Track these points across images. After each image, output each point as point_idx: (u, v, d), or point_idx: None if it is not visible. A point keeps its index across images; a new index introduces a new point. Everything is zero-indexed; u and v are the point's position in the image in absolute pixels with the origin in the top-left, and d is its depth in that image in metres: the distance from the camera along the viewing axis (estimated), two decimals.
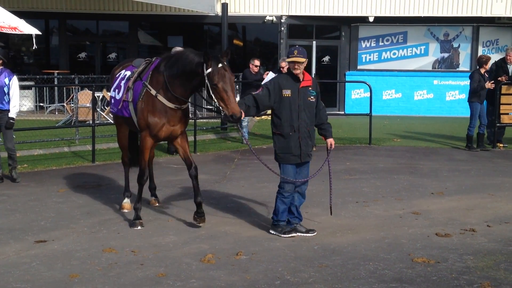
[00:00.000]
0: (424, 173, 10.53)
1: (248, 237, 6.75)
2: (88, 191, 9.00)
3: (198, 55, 6.55)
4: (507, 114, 13.63)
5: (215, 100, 6.38)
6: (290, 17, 21.07)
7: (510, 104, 13.53)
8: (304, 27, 22.06)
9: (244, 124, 14.30)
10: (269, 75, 14.20)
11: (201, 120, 16.79)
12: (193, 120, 13.50)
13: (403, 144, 14.07)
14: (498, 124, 13.38)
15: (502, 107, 13.43)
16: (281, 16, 21.05)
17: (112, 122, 14.80)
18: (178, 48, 8.28)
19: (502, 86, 13.42)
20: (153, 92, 6.77)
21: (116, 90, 7.28)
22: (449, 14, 20.42)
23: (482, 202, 8.27)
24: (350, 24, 21.43)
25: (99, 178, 10.00)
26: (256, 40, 24.15)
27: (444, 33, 21.60)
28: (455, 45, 21.61)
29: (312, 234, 6.79)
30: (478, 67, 13.04)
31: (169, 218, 7.55)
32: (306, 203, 7.30)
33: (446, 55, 21.66)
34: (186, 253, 6.17)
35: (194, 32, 22.87)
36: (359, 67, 21.54)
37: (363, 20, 20.91)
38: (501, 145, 13.45)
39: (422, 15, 20.47)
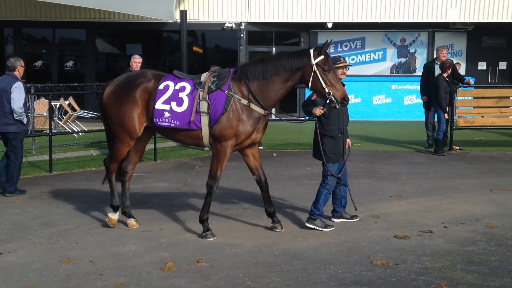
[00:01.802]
0: (383, 177, 10.66)
1: (209, 244, 6.72)
2: (45, 202, 8.85)
3: (294, 53, 6.88)
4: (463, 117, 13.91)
5: (325, 87, 6.66)
6: (249, 23, 21.14)
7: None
8: (263, 34, 22.16)
9: None
10: None
11: None
12: None
13: (362, 148, 14.22)
14: (454, 128, 13.63)
15: (457, 110, 13.71)
16: (241, 23, 21.11)
17: (70, 131, 14.70)
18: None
19: (458, 90, 13.70)
20: (244, 101, 6.82)
21: (173, 103, 6.92)
22: (406, 20, 20.75)
23: (439, 204, 8.40)
24: (309, 30, 21.61)
25: (56, 188, 9.84)
26: (216, 47, 24.16)
27: (400, 38, 21.96)
28: (411, 50, 21.98)
29: (356, 220, 7.64)
30: (441, 72, 13.12)
31: (129, 227, 7.47)
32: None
33: (403, 60, 22.01)
34: (146, 261, 6.11)
35: (153, 40, 22.76)
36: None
37: (322, 26, 21.10)
38: (457, 147, 13.71)
39: (380, 21, 20.76)
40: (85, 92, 17.43)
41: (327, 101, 6.73)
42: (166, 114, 6.92)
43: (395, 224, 7.49)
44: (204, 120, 6.85)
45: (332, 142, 7.27)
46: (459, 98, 14.10)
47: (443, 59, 13.57)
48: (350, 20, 20.81)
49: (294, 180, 10.40)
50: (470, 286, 5.37)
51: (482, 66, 22.09)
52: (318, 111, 6.97)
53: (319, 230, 7.22)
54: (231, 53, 22.73)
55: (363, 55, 21.94)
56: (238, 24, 21.14)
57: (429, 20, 20.59)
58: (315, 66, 6.67)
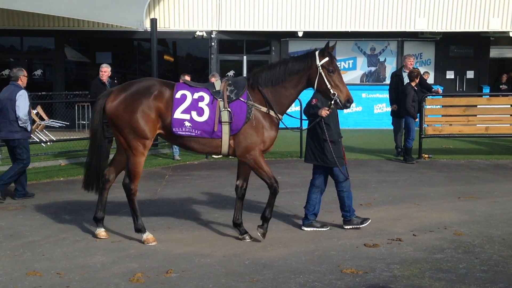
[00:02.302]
0: (353, 185, 10.56)
1: (178, 254, 6.67)
2: (11, 213, 8.70)
3: (299, 56, 7.15)
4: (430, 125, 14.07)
5: (330, 88, 6.88)
6: (220, 32, 21.13)
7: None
8: (234, 42, 22.18)
9: None
10: None
11: None
12: None
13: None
14: (423, 136, 13.77)
15: (426, 118, 13.86)
16: (211, 31, 21.09)
17: (38, 140, 14.49)
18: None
19: (427, 98, 13.86)
20: (264, 109, 7.00)
21: (193, 113, 6.90)
22: (375, 29, 20.96)
23: (408, 212, 8.47)
24: (280, 39, 21.69)
25: (23, 198, 9.67)
26: (187, 55, 24.12)
27: (370, 47, 22.16)
28: (381, 59, 22.19)
29: (326, 228, 7.70)
30: (409, 81, 13.23)
31: (97, 237, 7.37)
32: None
33: (373, 69, 22.21)
34: (114, 273, 6.04)
35: (123, 48, 22.60)
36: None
37: (293, 35, 21.19)
38: (426, 155, 13.85)
39: (350, 30, 20.92)
40: (53, 101, 17.23)
41: (332, 102, 6.95)
42: (187, 123, 6.90)
43: (365, 233, 7.53)
44: (225, 129, 6.93)
45: (334, 146, 7.49)
46: (428, 107, 14.27)
47: (411, 67, 13.74)
48: (320, 29, 20.92)
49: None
50: None
51: (450, 75, 22.40)
52: (324, 112, 7.23)
53: (358, 227, 7.66)
54: (202, 61, 22.69)
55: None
56: (209, 33, 21.12)
57: (398, 29, 20.82)
58: (320, 68, 6.90)
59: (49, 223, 8.10)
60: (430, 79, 20.55)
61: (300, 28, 20.86)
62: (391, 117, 14.42)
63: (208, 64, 21.59)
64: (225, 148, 7.04)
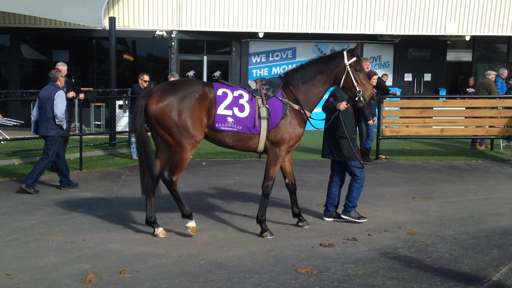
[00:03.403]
0: (311, 185, 10.76)
1: (133, 255, 6.60)
2: None
3: (329, 56, 7.62)
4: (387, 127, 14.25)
5: (356, 86, 7.35)
6: (180, 32, 21.01)
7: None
8: (195, 42, 22.08)
9: (133, 139, 14.06)
10: None
11: (88, 136, 16.35)
12: (78, 136, 13.12)
13: (293, 157, 14.25)
14: (381, 137, 13.94)
15: (384, 120, 14.02)
16: (172, 31, 20.96)
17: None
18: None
19: (385, 100, 14.02)
20: (296, 107, 7.41)
21: (235, 109, 7.21)
22: (335, 31, 21.11)
23: (364, 211, 8.52)
24: (241, 40, 21.68)
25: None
26: (147, 55, 23.90)
27: (330, 49, 22.24)
28: None
29: (363, 221, 8.00)
30: None
31: (49, 238, 7.24)
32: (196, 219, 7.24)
33: None
34: (66, 274, 5.93)
35: (81, 46, 22.25)
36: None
37: (254, 35, 21.21)
38: (384, 156, 14.02)
39: (310, 31, 21.04)
40: (8, 100, 16.85)
41: (356, 99, 7.41)
42: (229, 119, 7.20)
43: (320, 232, 7.57)
44: (264, 125, 7.29)
45: (348, 142, 7.86)
46: (386, 108, 14.43)
47: (367, 70, 13.88)
48: (281, 30, 20.99)
49: (223, 189, 10.36)
50: None
51: (408, 77, 22.73)
52: (343, 105, 7.64)
53: (354, 221, 7.97)
54: (162, 61, 22.53)
55: (294, 65, 22.06)
56: (169, 32, 20.98)
57: (358, 32, 21.02)
58: (348, 67, 7.36)
59: (0, 223, 7.93)
60: (389, 82, 20.82)
61: (261, 29, 20.88)
62: None
63: (168, 64, 21.44)
64: (262, 144, 7.40)
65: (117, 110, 17.26)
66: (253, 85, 7.44)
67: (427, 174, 12.11)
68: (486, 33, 21.68)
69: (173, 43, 21.13)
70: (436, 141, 16.58)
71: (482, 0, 21.09)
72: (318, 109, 8.33)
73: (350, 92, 7.47)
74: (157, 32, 20.86)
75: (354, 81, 7.36)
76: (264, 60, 22.12)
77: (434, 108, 14.74)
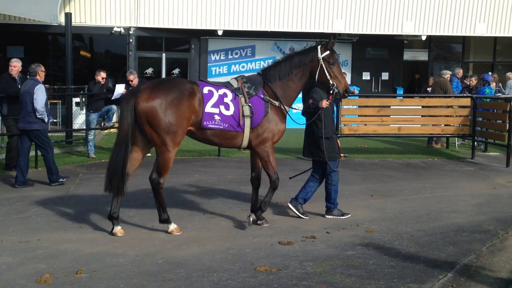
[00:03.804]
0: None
1: (89, 254, 6.49)
2: None
3: (303, 51, 7.70)
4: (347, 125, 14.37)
5: (329, 79, 7.57)
6: (138, 28, 20.82)
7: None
8: (153, 39, 21.90)
9: (91, 137, 13.88)
10: (117, 88, 13.91)
11: None
12: None
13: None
14: (339, 135, 14.02)
15: (342, 118, 14.13)
16: (129, 27, 20.74)
17: None
18: None
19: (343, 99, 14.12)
20: (277, 103, 7.59)
21: (221, 107, 7.33)
22: (294, 30, 21.22)
23: (323, 210, 8.56)
24: (200, 37, 21.60)
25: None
26: (105, 51, 23.61)
27: (289, 47, 22.38)
28: None
29: (346, 217, 8.23)
30: None
31: (3, 237, 7.07)
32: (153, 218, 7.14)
33: None
34: (20, 274, 5.80)
35: (37, 42, 21.83)
36: (209, 79, 21.70)
37: (213, 33, 21.15)
38: (342, 155, 14.12)
39: (269, 30, 21.09)
40: None
41: (331, 93, 7.59)
42: (216, 117, 7.32)
43: (280, 230, 7.58)
44: (247, 123, 7.43)
45: (329, 142, 8.06)
46: (344, 107, 14.54)
47: None
48: (240, 28, 21.00)
49: (182, 187, 10.29)
50: None
51: (366, 76, 23.02)
52: (325, 103, 7.77)
53: (338, 218, 8.18)
54: (120, 58, 22.28)
55: (253, 63, 22.21)
56: (127, 29, 20.77)
57: (317, 30, 21.17)
58: (322, 60, 7.56)
59: None
60: (347, 80, 20.92)
61: (220, 26, 20.85)
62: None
63: (126, 61, 21.22)
64: (246, 140, 7.52)
65: (74, 108, 17.00)
66: (234, 83, 7.56)
67: (384, 172, 12.26)
68: (441, 33, 22.12)
69: (131, 40, 20.93)
70: (393, 139, 16.82)
71: (438, 0, 21.47)
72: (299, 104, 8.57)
73: (325, 86, 7.69)
74: (115, 29, 20.64)
75: (327, 75, 7.57)
76: (223, 58, 22.10)
77: (391, 107, 14.92)
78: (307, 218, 8.18)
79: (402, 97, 17.00)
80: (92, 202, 9.05)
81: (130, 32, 20.82)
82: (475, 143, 14.73)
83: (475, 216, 8.49)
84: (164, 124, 7.02)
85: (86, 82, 17.24)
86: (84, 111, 15.77)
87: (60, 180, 10.47)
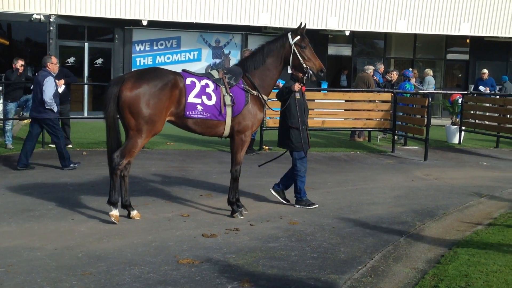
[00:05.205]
0: (195, 176, 10.72)
1: (5, 248, 6.26)
2: None
3: (274, 39, 7.96)
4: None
5: (303, 63, 7.82)
6: (59, 16, 20.18)
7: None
8: (75, 28, 21.29)
9: (8, 128, 13.37)
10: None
11: None
12: None
13: (176, 147, 14.22)
14: (264, 128, 14.12)
15: (268, 111, 14.19)
16: (50, 15, 20.08)
17: None
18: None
19: None
20: (255, 93, 7.85)
21: (204, 97, 7.58)
22: (220, 22, 21.16)
23: (246, 202, 8.59)
24: (124, 27, 21.18)
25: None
26: (24, 39, 22.77)
27: (215, 39, 22.36)
28: (226, 51, 22.48)
29: (314, 207, 8.47)
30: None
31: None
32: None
33: (218, 61, 22.43)
34: None
35: None
36: (133, 70, 21.36)
37: (137, 23, 20.79)
38: (267, 147, 14.23)
39: (194, 21, 20.94)
40: None
41: (306, 76, 7.91)
42: (199, 107, 7.56)
43: (203, 223, 7.54)
44: (229, 112, 7.70)
45: (297, 133, 8.32)
46: (269, 100, 14.55)
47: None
48: (165, 19, 20.74)
49: (104, 179, 10.06)
50: (270, 281, 5.56)
51: (290, 69, 23.19)
52: (297, 86, 8.15)
53: (306, 207, 8.41)
54: (41, 46, 21.54)
55: (179, 55, 22.01)
56: (47, 17, 20.10)
57: (242, 23, 21.20)
58: (293, 45, 7.82)
59: None
60: None
61: (145, 17, 20.53)
62: None
63: (47, 49, 20.53)
64: (227, 129, 7.78)
65: None
66: (215, 74, 7.83)
67: (308, 165, 12.23)
68: (364, 29, 22.64)
69: (51, 28, 20.26)
70: (317, 132, 17.07)
71: None
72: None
73: (299, 69, 7.94)
74: (34, 16, 19.91)
75: (300, 59, 7.83)
76: (148, 48, 21.79)
77: (315, 101, 15.12)
78: (316, 205, 8.52)
79: (326, 91, 17.26)
80: (9, 194, 8.74)
81: (51, 19, 20.14)
82: (396, 137, 15.16)
83: (394, 208, 8.73)
84: (145, 114, 7.22)
85: (3, 70, 16.58)
86: (1, 100, 15.16)
87: (72, 165, 10.90)
